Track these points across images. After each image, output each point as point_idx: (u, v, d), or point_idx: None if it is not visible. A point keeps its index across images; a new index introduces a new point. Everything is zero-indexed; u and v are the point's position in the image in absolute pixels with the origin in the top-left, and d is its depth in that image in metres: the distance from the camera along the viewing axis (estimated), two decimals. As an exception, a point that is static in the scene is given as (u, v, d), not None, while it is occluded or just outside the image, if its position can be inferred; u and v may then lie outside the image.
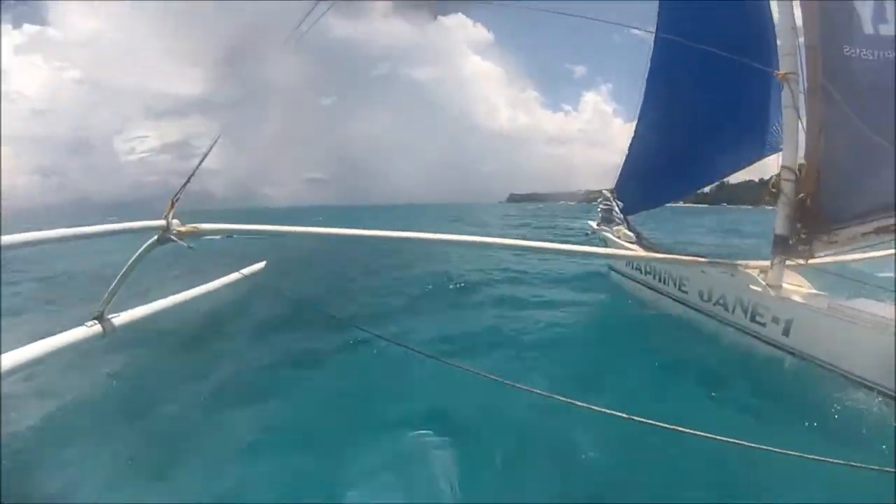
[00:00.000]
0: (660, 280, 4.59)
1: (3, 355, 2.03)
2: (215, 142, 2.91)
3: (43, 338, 2.28)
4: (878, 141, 3.27)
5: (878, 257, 4.05)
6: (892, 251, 3.60)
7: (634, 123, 5.06)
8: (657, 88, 4.72)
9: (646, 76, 4.69)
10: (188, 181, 2.53)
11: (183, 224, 2.46)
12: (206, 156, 2.75)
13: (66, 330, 2.38)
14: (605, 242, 5.44)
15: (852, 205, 3.39)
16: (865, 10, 3.35)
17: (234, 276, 3.18)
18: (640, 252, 4.41)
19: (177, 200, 2.48)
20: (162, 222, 2.37)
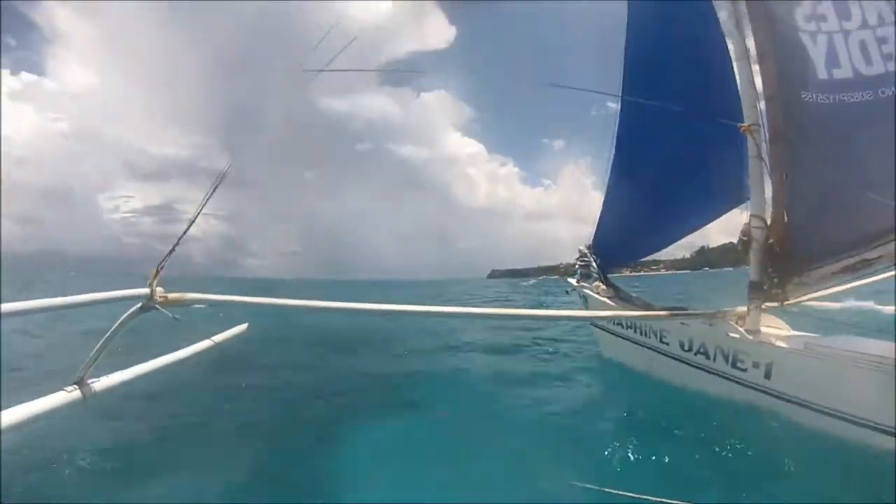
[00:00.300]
0: (641, 333, 4.63)
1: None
2: (201, 208, 2.92)
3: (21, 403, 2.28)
4: (840, 181, 3.43)
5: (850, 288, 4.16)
6: (862, 282, 3.70)
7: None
8: (626, 145, 4.87)
9: (615, 132, 4.85)
10: (173, 249, 2.57)
11: (167, 291, 2.50)
12: (192, 222, 2.80)
13: (45, 395, 2.35)
14: (586, 299, 5.52)
15: (820, 246, 3.52)
16: (819, 57, 3.57)
17: (217, 338, 3.21)
18: (621, 310, 4.48)
19: (161, 268, 2.52)
20: (145, 290, 2.40)
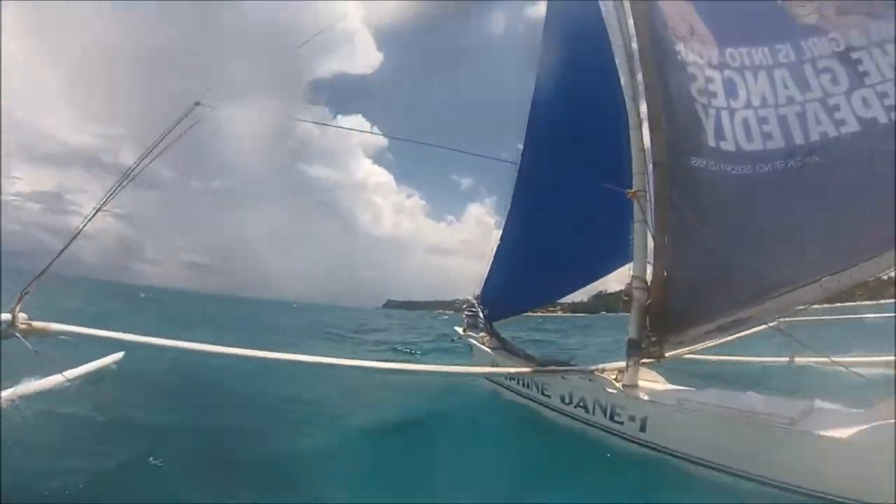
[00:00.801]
0: (524, 385, 4.74)
1: None
2: (95, 212, 2.95)
3: None
4: (718, 246, 3.66)
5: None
6: (735, 336, 3.93)
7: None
8: (523, 199, 5.03)
9: (514, 185, 5.01)
10: (43, 273, 2.60)
11: (31, 319, 2.51)
12: (79, 231, 2.84)
13: None
14: (471, 348, 5.65)
15: (697, 307, 3.74)
16: (709, 128, 3.81)
17: (90, 366, 3.25)
18: (503, 367, 4.60)
19: (26, 294, 2.54)
20: (7, 316, 2.43)
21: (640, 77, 3.93)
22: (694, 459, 3.39)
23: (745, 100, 3.91)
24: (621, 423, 3.86)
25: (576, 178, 3.85)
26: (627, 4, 4.06)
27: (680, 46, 4.00)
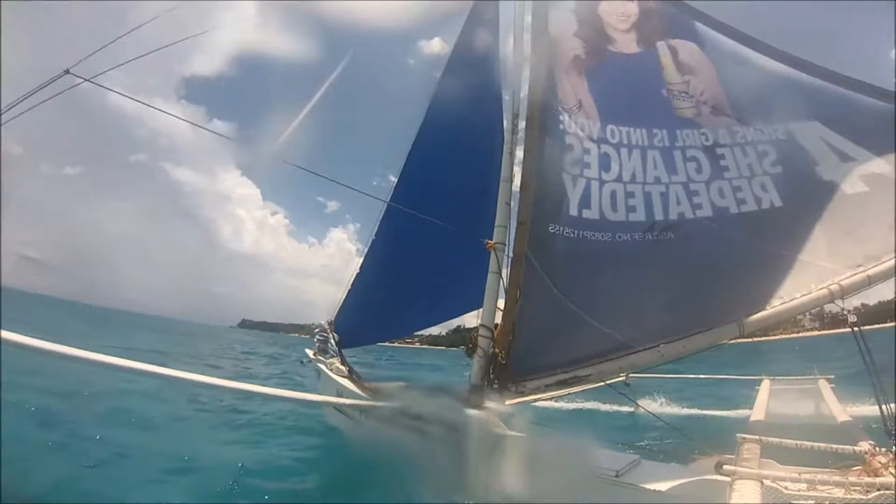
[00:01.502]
0: (369, 420, 4.65)
1: None
2: None
3: None
4: (569, 306, 3.83)
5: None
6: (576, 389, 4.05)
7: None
8: (388, 231, 5.15)
9: (379, 218, 5.13)
10: None
11: None
12: None
13: None
14: (319, 374, 5.62)
15: (539, 361, 3.84)
16: (575, 197, 4.06)
17: None
18: (350, 398, 4.55)
19: None
20: None
21: (518, 137, 4.20)
22: None
23: (617, 174, 4.20)
24: None
25: (442, 221, 4.02)
26: (526, 69, 4.38)
27: (564, 117, 4.32)
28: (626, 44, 4.83)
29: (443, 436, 4.02)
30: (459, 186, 4.28)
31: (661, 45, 4.87)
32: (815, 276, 4.02)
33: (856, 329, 3.76)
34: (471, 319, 4.53)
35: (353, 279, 5.40)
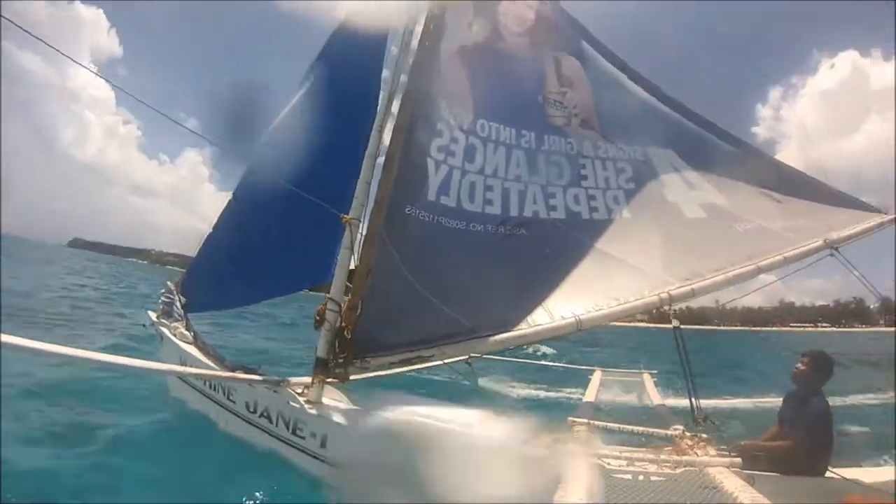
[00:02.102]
0: (211, 387, 4.49)
1: None
2: None
3: None
4: (417, 287, 3.82)
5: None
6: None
7: (225, 197, 5.08)
8: (245, 194, 4.90)
9: (238, 183, 4.87)
10: None
11: None
12: None
13: None
14: (161, 338, 5.25)
15: (384, 338, 3.81)
16: (434, 183, 4.09)
17: None
18: (193, 367, 4.29)
19: None
20: None
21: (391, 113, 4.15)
22: (372, 475, 3.34)
23: (480, 166, 4.32)
24: (303, 437, 3.73)
25: (302, 189, 3.85)
26: (414, 46, 4.33)
27: (441, 103, 4.37)
28: (516, 46, 5.00)
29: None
30: (322, 159, 4.12)
31: (548, 55, 5.12)
32: (649, 283, 4.41)
33: (678, 330, 4.23)
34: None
35: (204, 239, 5.00)
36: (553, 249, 4.23)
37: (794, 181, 5.40)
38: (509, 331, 3.88)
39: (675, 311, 4.49)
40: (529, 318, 3.96)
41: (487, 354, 4.58)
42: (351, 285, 3.86)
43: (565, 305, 4.07)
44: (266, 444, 3.99)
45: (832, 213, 5.19)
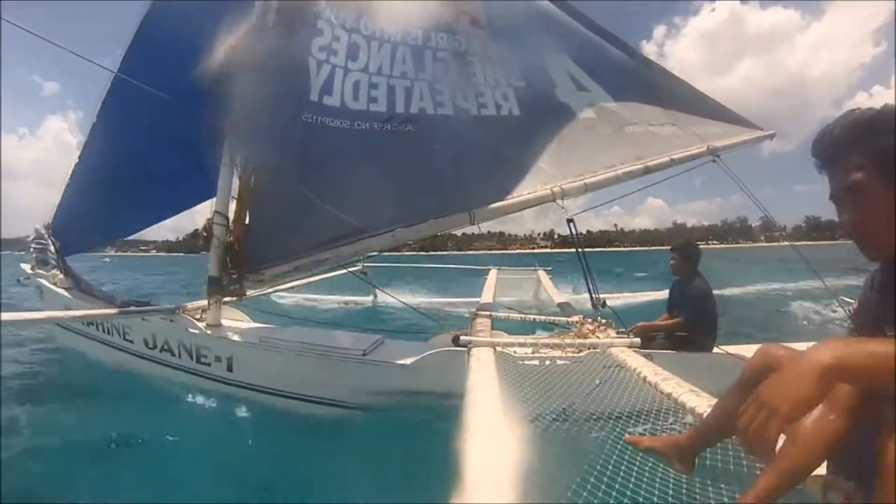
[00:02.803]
0: (105, 331, 4.29)
1: None
2: None
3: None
4: (304, 192, 3.73)
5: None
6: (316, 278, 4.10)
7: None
8: (110, 111, 4.41)
9: (103, 97, 4.34)
10: None
11: None
12: None
13: None
14: (41, 290, 4.89)
15: (276, 247, 3.73)
16: (318, 81, 3.92)
17: None
18: (79, 310, 3.97)
19: None
20: None
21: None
22: (279, 393, 3.48)
23: (364, 64, 4.16)
24: (208, 364, 3.68)
25: (176, 105, 3.53)
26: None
27: (323, 3, 4.10)
28: (401, -62, 4.71)
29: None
30: (198, 60, 3.75)
31: (438, -49, 4.88)
32: (541, 179, 4.59)
33: (580, 251, 4.42)
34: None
35: (71, 170, 4.49)
36: (442, 145, 4.25)
37: (683, 93, 5.75)
38: (401, 227, 3.93)
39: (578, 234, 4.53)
40: (422, 215, 4.03)
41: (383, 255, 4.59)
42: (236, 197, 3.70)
43: (458, 200, 4.17)
44: (174, 380, 3.90)
45: (716, 125, 5.63)
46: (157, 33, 4.00)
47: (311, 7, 4.05)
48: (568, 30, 5.54)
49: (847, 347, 0.77)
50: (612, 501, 1.15)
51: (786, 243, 5.84)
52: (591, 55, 5.54)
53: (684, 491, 1.24)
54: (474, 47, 4.73)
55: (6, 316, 3.13)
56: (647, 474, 1.30)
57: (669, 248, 4.33)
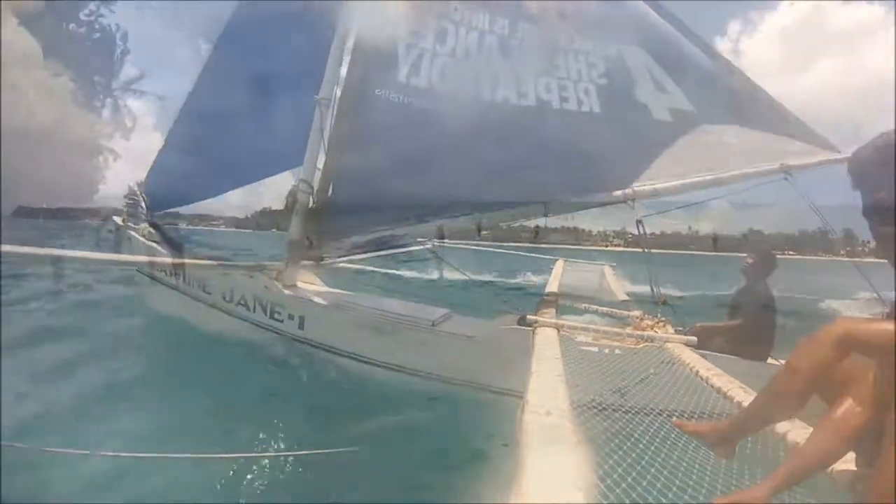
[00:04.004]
0: (185, 282, 4.54)
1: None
2: None
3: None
4: (387, 168, 3.86)
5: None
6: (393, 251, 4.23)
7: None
8: (205, 85, 4.73)
9: (201, 71, 4.67)
10: None
11: None
12: None
13: None
14: (130, 241, 5.20)
15: (357, 217, 3.89)
16: (406, 63, 4.03)
17: None
18: (166, 257, 4.37)
19: None
20: None
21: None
22: (346, 354, 3.64)
23: (451, 49, 4.24)
24: (281, 321, 3.88)
25: (270, 74, 3.73)
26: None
27: None
28: (490, -69, 4.74)
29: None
30: (289, 44, 3.92)
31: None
32: (614, 179, 4.54)
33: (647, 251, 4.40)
34: (278, 202, 4.40)
35: (167, 134, 4.86)
36: (522, 136, 4.27)
37: (762, 104, 5.49)
38: (480, 211, 4.00)
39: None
40: (497, 201, 4.08)
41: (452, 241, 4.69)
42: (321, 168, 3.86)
43: (534, 191, 4.19)
44: (244, 334, 4.13)
45: (791, 142, 5.35)
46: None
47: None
48: (650, 24, 5.40)
49: (858, 323, 1.01)
50: (658, 484, 1.17)
51: (869, 260, 5.51)
52: (670, 52, 5.36)
53: (720, 478, 1.25)
54: (561, 40, 4.70)
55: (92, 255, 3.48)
56: (686, 460, 1.34)
57: (744, 253, 4.22)
